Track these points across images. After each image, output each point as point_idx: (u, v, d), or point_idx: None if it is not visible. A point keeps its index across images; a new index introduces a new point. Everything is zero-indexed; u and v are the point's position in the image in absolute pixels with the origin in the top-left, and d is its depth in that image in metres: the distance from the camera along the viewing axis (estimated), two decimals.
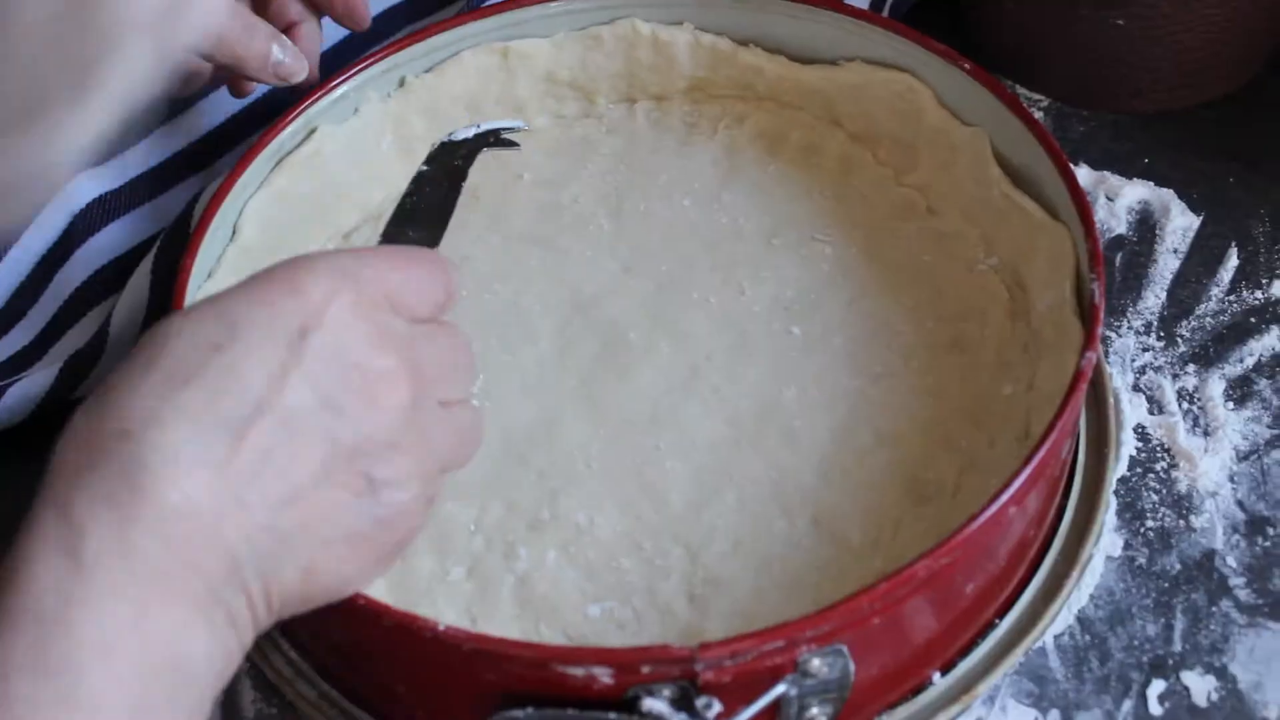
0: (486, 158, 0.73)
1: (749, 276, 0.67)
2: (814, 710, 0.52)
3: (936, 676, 0.57)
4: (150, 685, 0.42)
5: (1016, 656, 0.57)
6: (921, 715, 0.56)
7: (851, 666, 0.51)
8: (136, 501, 0.43)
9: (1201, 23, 0.73)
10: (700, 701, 0.50)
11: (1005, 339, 0.64)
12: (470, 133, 0.66)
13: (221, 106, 0.73)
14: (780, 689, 0.50)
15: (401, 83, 0.71)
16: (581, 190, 0.72)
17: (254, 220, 0.66)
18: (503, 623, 0.57)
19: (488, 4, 0.72)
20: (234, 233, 0.66)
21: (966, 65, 0.66)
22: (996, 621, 0.58)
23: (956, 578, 0.53)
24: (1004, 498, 0.52)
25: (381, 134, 0.71)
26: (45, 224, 0.69)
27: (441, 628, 0.50)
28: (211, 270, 0.65)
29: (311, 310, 0.46)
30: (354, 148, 0.70)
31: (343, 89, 0.69)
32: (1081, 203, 0.61)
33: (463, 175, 0.63)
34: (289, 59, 0.65)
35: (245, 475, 0.44)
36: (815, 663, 0.51)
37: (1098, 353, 0.58)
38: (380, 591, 0.58)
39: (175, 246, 0.66)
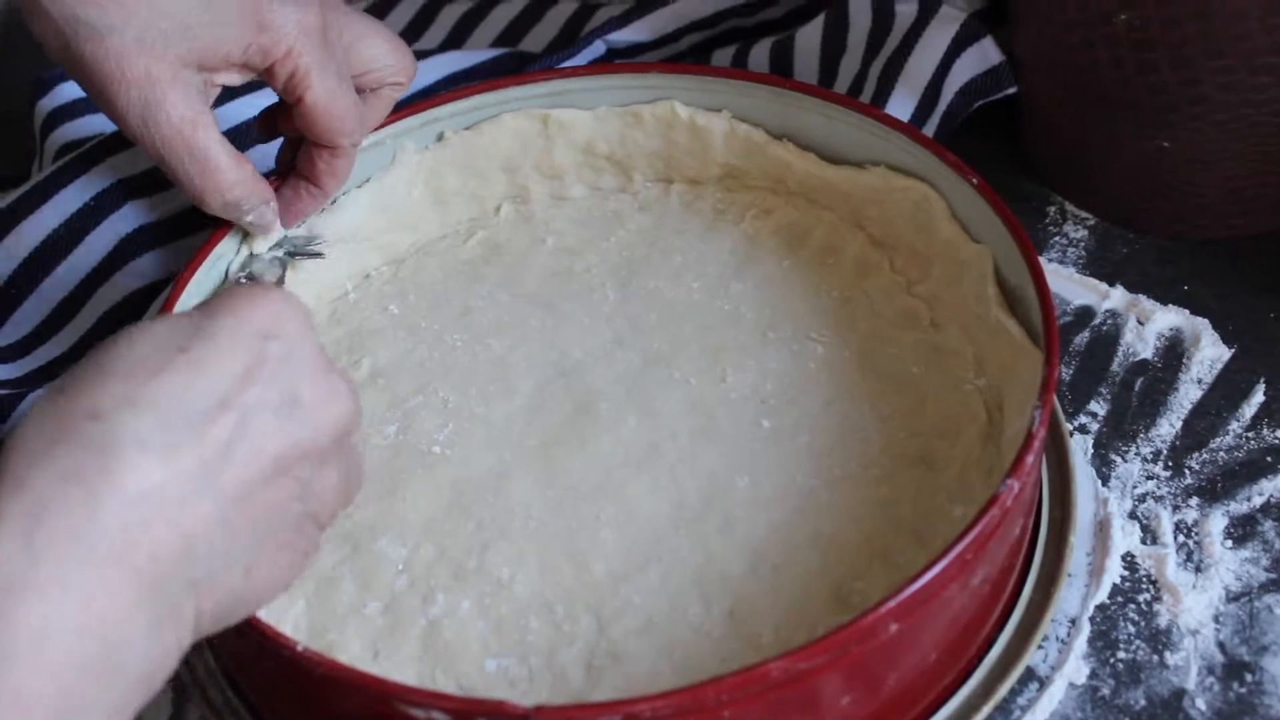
0: (517, 220, 0.76)
1: (734, 364, 0.67)
2: None
3: None
4: (81, 678, 0.42)
5: None
6: None
7: None
8: (103, 480, 0.43)
9: (1251, 152, 0.71)
10: None
11: (972, 460, 0.62)
12: (278, 252, 0.68)
13: (271, 154, 0.77)
14: None
15: (440, 137, 0.74)
16: (597, 260, 0.73)
17: None
18: (401, 663, 0.58)
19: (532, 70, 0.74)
20: None
21: (974, 180, 0.65)
22: None
23: (827, 688, 0.52)
24: (881, 611, 0.51)
25: (413, 184, 0.73)
26: (94, 245, 0.74)
27: (299, 648, 0.52)
28: None
29: (271, 320, 0.49)
30: (383, 194, 0.73)
31: (378, 136, 0.72)
32: (1050, 328, 0.59)
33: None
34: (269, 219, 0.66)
35: (207, 466, 0.46)
36: None
37: (1025, 481, 0.56)
38: (299, 611, 0.60)
39: None
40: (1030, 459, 0.55)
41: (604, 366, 0.68)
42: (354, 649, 0.59)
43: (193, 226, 0.74)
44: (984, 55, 0.75)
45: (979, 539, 0.53)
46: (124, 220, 0.74)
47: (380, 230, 0.73)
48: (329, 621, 0.60)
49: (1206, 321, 0.71)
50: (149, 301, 0.73)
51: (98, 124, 0.78)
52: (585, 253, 0.74)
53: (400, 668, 0.58)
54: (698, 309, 0.70)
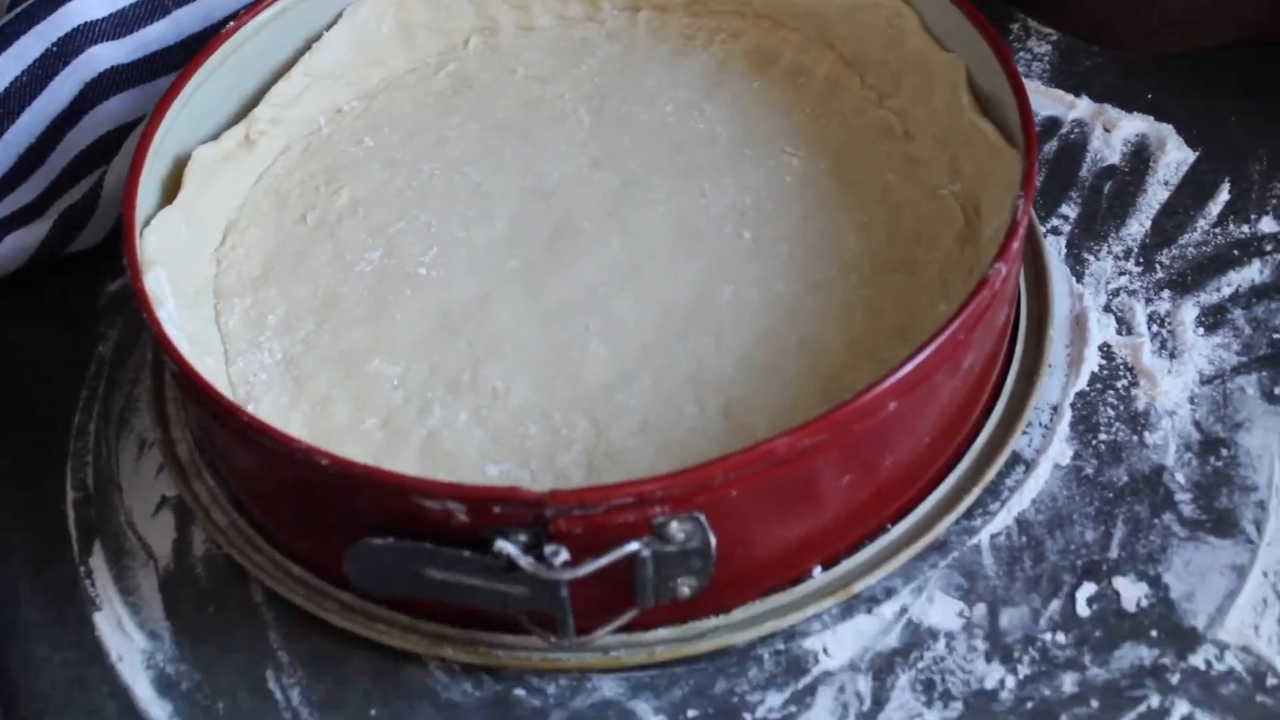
0: (486, 51, 0.75)
1: (712, 181, 0.68)
2: (678, 581, 0.53)
3: (817, 571, 0.57)
4: None
5: (898, 562, 0.57)
6: (795, 606, 0.57)
7: (712, 539, 0.52)
8: None
9: None
10: (549, 549, 0.51)
11: (952, 262, 0.64)
12: None
13: None
14: (632, 547, 0.51)
15: None
16: (568, 88, 0.73)
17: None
18: (404, 471, 0.59)
19: None
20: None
21: None
22: (888, 526, 0.58)
23: (826, 465, 0.53)
24: (879, 389, 0.52)
25: (383, 18, 0.73)
26: (59, 90, 0.73)
27: (312, 449, 0.52)
28: (215, 134, 0.68)
29: None
30: (353, 29, 0.72)
31: None
32: (1028, 125, 0.60)
33: None
34: None
35: None
36: (673, 527, 0.52)
37: (1011, 266, 0.57)
38: (296, 430, 0.60)
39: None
40: (1016, 244, 0.57)
41: (582, 190, 0.69)
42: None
43: (163, 68, 0.74)
44: None
45: (970, 320, 0.55)
46: (89, 64, 0.73)
47: (351, 65, 0.73)
48: (327, 438, 0.60)
49: (1171, 127, 0.73)
50: (119, 144, 0.73)
51: None
52: (555, 81, 0.74)
53: None
54: (672, 130, 0.71)
